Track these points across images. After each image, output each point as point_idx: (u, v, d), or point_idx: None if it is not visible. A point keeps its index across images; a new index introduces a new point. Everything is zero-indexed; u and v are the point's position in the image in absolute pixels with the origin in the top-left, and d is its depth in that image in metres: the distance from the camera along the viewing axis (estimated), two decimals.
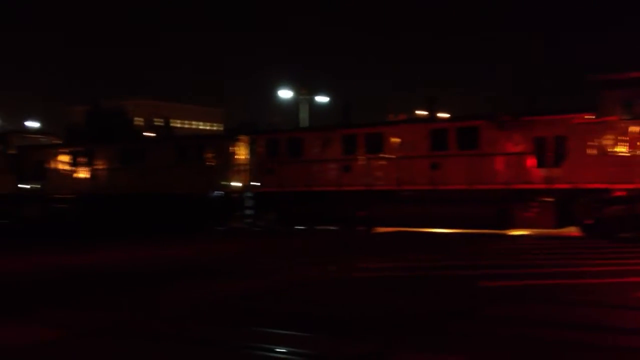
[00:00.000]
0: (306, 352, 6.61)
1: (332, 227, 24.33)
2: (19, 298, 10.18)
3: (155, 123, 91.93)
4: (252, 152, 26.76)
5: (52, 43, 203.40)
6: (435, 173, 22.42)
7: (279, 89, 44.70)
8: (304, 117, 42.81)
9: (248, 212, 26.80)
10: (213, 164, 27.13)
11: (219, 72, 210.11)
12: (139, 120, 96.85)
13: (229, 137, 29.22)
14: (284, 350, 6.64)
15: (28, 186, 32.00)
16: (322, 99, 45.72)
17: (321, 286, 11.02)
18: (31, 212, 31.47)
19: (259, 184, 26.17)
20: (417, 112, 46.13)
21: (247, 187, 26.73)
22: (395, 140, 23.52)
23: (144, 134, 68.53)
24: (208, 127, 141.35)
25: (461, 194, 21.76)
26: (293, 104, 45.71)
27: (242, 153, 27.21)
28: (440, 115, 35.51)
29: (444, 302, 9.25)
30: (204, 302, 9.49)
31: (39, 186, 31.79)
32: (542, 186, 20.61)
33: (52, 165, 31.32)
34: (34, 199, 31.69)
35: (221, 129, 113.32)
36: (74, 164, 30.72)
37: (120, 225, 27.61)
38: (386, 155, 23.57)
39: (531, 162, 20.95)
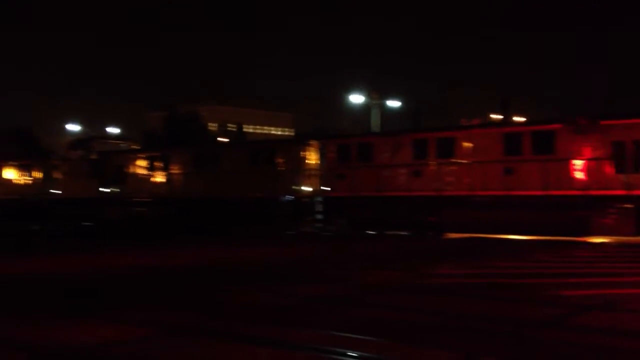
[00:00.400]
0: (378, 356, 6.58)
1: (402, 233, 24.19)
2: (100, 297, 10.50)
3: (229, 128, 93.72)
4: (323, 157, 26.94)
5: (130, 50, 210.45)
6: (508, 178, 21.97)
7: (350, 94, 44.80)
8: (375, 122, 42.75)
9: (318, 216, 26.99)
10: (284, 168, 27.48)
11: (289, 77, 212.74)
12: (212, 126, 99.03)
13: (300, 142, 29.51)
14: (355, 355, 6.61)
15: (108, 190, 33.26)
16: (393, 103, 45.50)
17: (395, 291, 10.88)
18: (113, 215, 32.69)
19: (329, 188, 26.31)
20: (492, 115, 45.22)
21: (317, 191, 26.93)
22: (467, 144, 23.19)
23: (218, 139, 70.04)
24: (280, 132, 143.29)
25: (536, 199, 21.22)
26: (364, 109, 45.72)
27: (312, 158, 27.45)
28: (516, 118, 34.72)
29: (524, 311, 8.98)
30: (277, 305, 9.58)
31: (118, 190, 32.99)
32: (621, 192, 19.86)
33: (131, 169, 32.43)
34: (115, 202, 32.90)
35: (292, 133, 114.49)
36: (151, 168, 31.71)
37: (194, 227, 28.33)
38: (458, 160, 23.27)
39: (609, 167, 20.24)
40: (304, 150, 27.50)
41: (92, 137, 40.58)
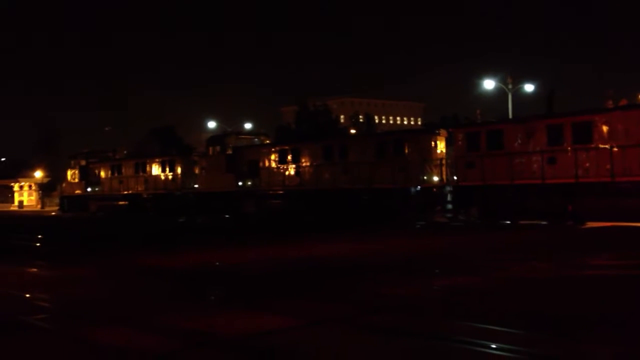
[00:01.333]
0: (523, 349, 6.40)
1: (537, 222, 23.20)
2: (249, 289, 10.87)
3: (359, 120, 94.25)
4: (452, 146, 26.45)
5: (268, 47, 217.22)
6: None
7: (483, 79, 43.43)
8: (509, 107, 41.22)
9: (448, 206, 26.54)
10: (412, 158, 27.24)
11: (419, 65, 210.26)
12: (342, 118, 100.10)
13: (428, 132, 29.18)
14: (494, 346, 6.51)
15: (242, 183, 34.61)
16: (528, 87, 43.47)
17: (536, 283, 10.42)
18: (248, 208, 34.00)
19: (459, 177, 25.77)
20: None
21: (446, 181, 26.49)
22: (606, 128, 21.82)
23: (351, 130, 70.60)
24: (412, 122, 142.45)
25: None
26: (498, 95, 44.20)
27: (441, 147, 27.02)
28: None
29: None
30: (416, 296, 9.55)
31: (250, 183, 34.26)
32: None
33: (263, 163, 33.53)
34: (250, 195, 34.20)
35: (424, 123, 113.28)
36: (283, 161, 32.62)
37: (325, 219, 28.86)
38: (597, 145, 21.96)
39: None
40: (432, 140, 27.15)
41: (228, 133, 42.37)
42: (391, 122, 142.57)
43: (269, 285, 11.14)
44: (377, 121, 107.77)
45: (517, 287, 10.16)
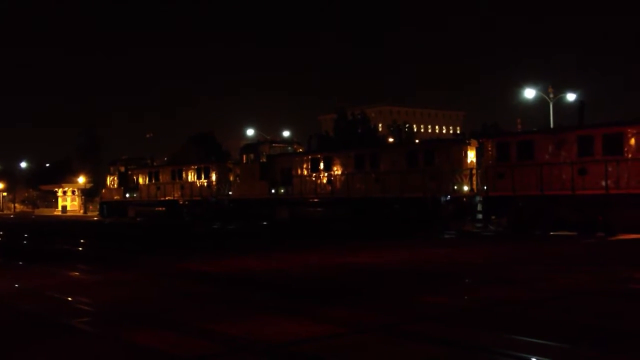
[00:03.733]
0: None
1: (567, 233, 23.22)
2: (289, 295, 10.93)
3: (398, 128, 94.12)
4: (482, 155, 26.56)
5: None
6: None
7: (524, 89, 43.36)
8: (550, 116, 41.12)
9: (478, 216, 26.65)
10: (442, 168, 27.40)
11: (462, 73, 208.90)
12: (381, 127, 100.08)
13: (458, 142, 29.24)
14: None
15: (275, 191, 35.15)
16: (570, 96, 43.17)
17: (579, 296, 10.28)
18: (281, 215, 34.53)
19: (489, 187, 25.87)
20: None
21: (477, 191, 26.61)
22: (637, 140, 21.75)
23: (389, 139, 70.62)
24: (452, 131, 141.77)
25: None
26: (540, 103, 44.11)
27: (471, 157, 27.18)
28: None
29: None
30: (456, 306, 9.60)
31: (283, 191, 34.78)
32: None
33: (296, 171, 33.99)
34: (283, 202, 34.73)
35: (462, 132, 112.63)
36: (315, 170, 33.03)
37: (356, 227, 29.22)
38: (628, 157, 21.92)
39: None
40: (463, 150, 27.28)
41: (262, 142, 43.02)
42: (430, 130, 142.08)
43: (309, 292, 11.18)
44: (415, 130, 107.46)
45: (559, 299, 10.04)
